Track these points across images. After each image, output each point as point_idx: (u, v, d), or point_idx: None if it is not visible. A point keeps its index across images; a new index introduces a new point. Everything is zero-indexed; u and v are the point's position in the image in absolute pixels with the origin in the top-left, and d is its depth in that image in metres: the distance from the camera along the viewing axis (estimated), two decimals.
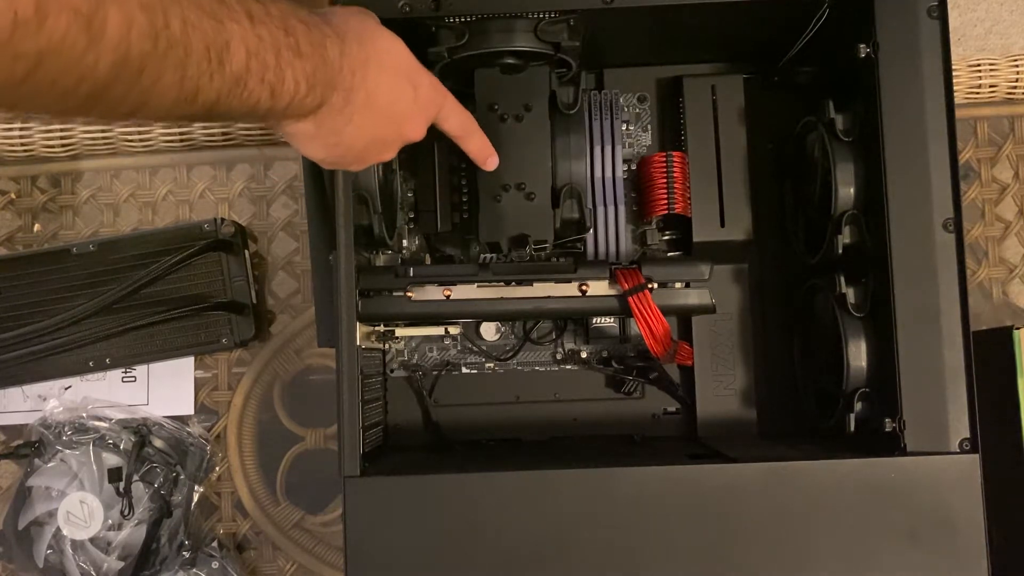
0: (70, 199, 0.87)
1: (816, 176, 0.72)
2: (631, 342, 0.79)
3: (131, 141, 0.86)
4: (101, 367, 0.83)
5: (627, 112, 0.81)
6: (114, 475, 0.79)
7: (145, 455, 0.80)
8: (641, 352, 0.77)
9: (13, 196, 0.88)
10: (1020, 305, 0.84)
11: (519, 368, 0.81)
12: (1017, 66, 0.84)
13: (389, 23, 0.58)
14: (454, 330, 0.79)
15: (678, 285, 0.70)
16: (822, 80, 0.74)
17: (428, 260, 0.80)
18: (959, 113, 0.68)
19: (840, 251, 0.68)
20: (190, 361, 0.84)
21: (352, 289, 0.64)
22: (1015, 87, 0.84)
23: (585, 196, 0.73)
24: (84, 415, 0.82)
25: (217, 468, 0.84)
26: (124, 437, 0.80)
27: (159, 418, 0.83)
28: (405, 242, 0.80)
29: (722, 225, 0.78)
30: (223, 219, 0.83)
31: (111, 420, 0.82)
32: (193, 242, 0.82)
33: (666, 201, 0.77)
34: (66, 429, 0.81)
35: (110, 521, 0.78)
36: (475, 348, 0.81)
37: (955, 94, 0.64)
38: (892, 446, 0.62)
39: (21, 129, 0.86)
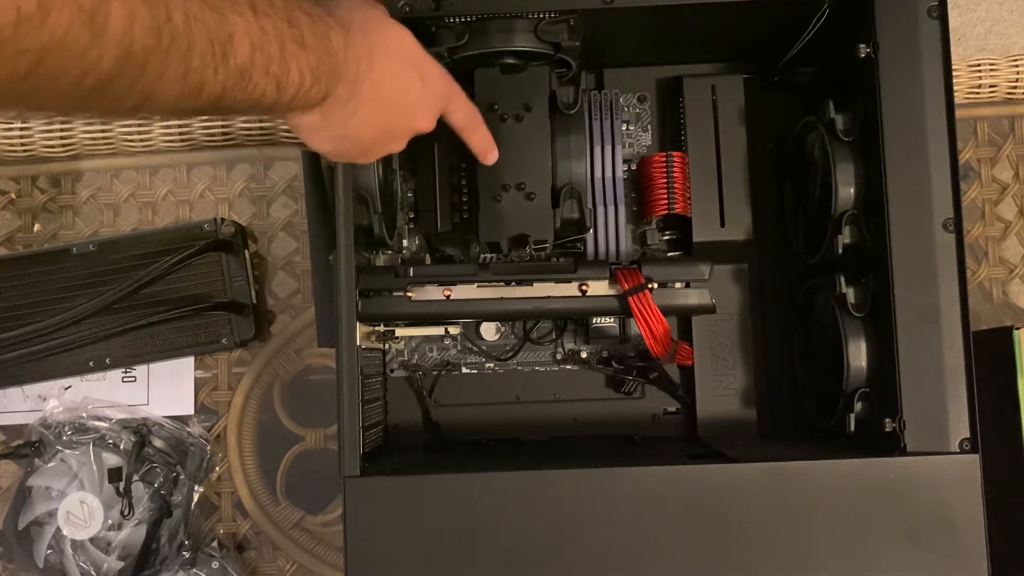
0: (70, 199, 0.87)
1: (816, 176, 0.72)
2: (631, 342, 0.79)
3: (131, 141, 0.86)
4: (101, 367, 0.83)
5: (627, 112, 0.81)
6: (114, 475, 0.79)
7: (145, 455, 0.80)
8: (641, 352, 0.77)
9: (13, 196, 0.88)
10: (1020, 305, 0.84)
11: (519, 368, 0.81)
12: (1017, 66, 0.84)
13: None
14: (454, 330, 0.79)
15: (678, 285, 0.70)
16: (822, 80, 0.74)
17: (428, 260, 0.80)
18: (959, 113, 0.68)
19: (840, 251, 0.68)
20: (190, 361, 0.84)
21: (352, 289, 0.64)
22: (1015, 87, 0.84)
23: (585, 196, 0.73)
24: (84, 415, 0.82)
25: (217, 468, 0.84)
26: (124, 437, 0.80)
27: (159, 418, 0.83)
28: (405, 242, 0.80)
29: (722, 225, 0.78)
30: (223, 219, 0.83)
31: (111, 420, 0.82)
32: (193, 242, 0.82)
33: (666, 201, 0.77)
34: (66, 429, 0.81)
35: (110, 521, 0.78)
36: (475, 348, 0.81)
37: (955, 94, 0.64)
38: (892, 446, 0.62)
39: (21, 129, 0.86)
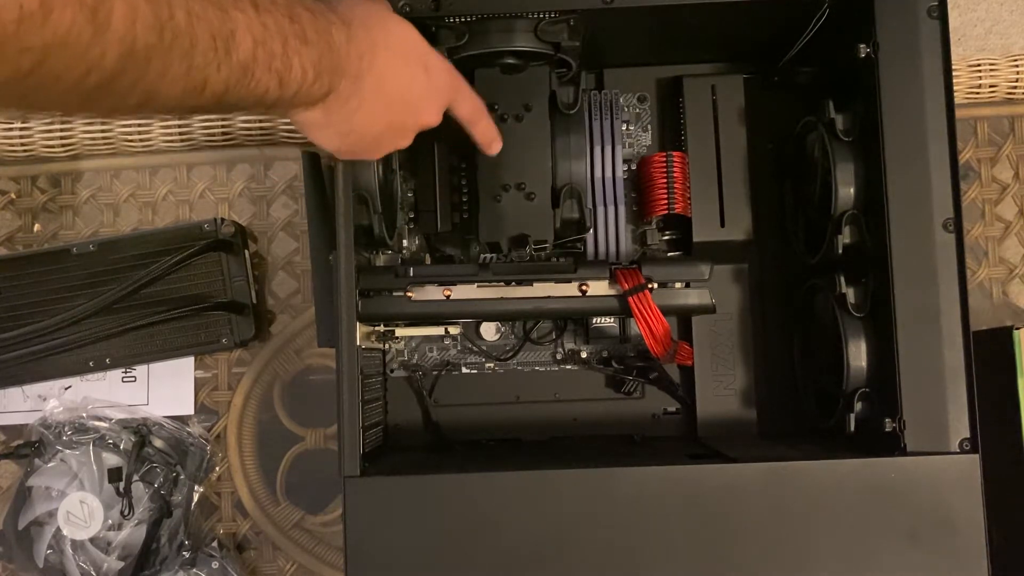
0: (70, 199, 0.87)
1: (816, 176, 0.72)
2: (631, 342, 0.79)
3: (131, 141, 0.86)
4: (101, 367, 0.83)
5: (627, 112, 0.81)
6: (114, 475, 0.79)
7: (145, 455, 0.80)
8: (641, 352, 0.77)
9: (13, 196, 0.88)
10: (1020, 305, 0.84)
11: (519, 368, 0.81)
12: (1017, 66, 0.84)
13: None
14: (454, 330, 0.79)
15: (678, 285, 0.70)
16: (822, 80, 0.74)
17: (428, 260, 0.80)
18: (959, 113, 0.68)
19: (840, 251, 0.68)
20: (190, 361, 0.84)
21: (352, 289, 0.64)
22: (1015, 87, 0.84)
23: (585, 196, 0.73)
24: (84, 415, 0.82)
25: (217, 468, 0.84)
26: (124, 437, 0.80)
27: (159, 418, 0.83)
28: (405, 242, 0.80)
29: (722, 225, 0.78)
30: (223, 219, 0.83)
31: (111, 420, 0.82)
32: (193, 242, 0.82)
33: (666, 201, 0.77)
34: (66, 429, 0.81)
35: (110, 521, 0.78)
36: (475, 348, 0.81)
37: (955, 94, 0.64)
38: (892, 446, 0.62)
39: (21, 129, 0.86)
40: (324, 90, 0.51)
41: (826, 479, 0.60)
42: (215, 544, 0.81)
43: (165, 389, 0.84)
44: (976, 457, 0.61)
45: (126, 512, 0.78)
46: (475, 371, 0.81)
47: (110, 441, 0.80)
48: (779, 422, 0.79)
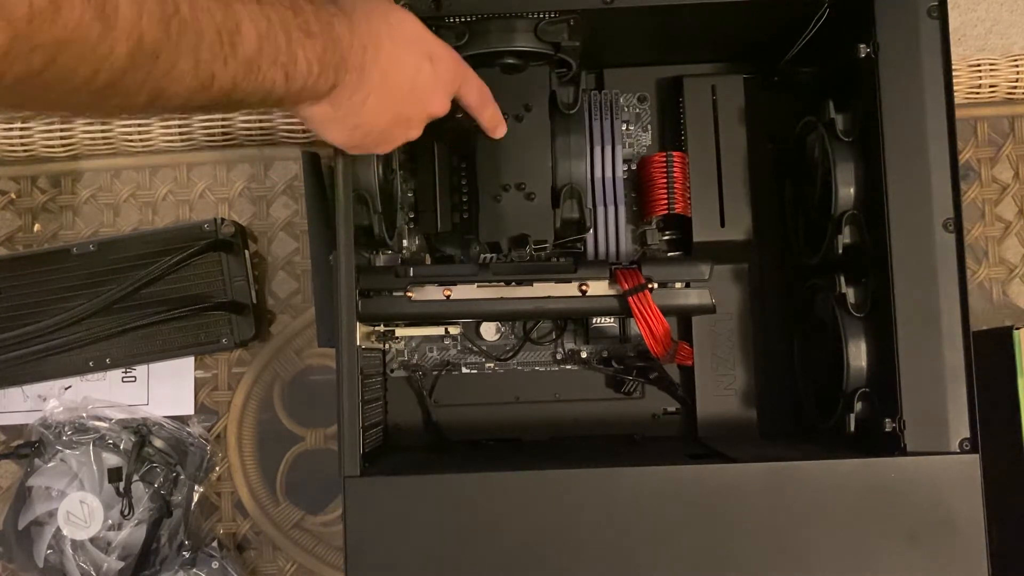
0: (70, 199, 0.87)
1: (816, 176, 0.72)
2: (631, 342, 0.79)
3: (131, 141, 0.86)
4: (101, 367, 0.83)
5: (627, 112, 0.81)
6: (114, 475, 0.79)
7: (145, 455, 0.80)
8: (641, 352, 0.77)
9: (13, 196, 0.88)
10: (1020, 305, 0.84)
11: (519, 368, 0.81)
12: (1017, 66, 0.84)
13: None
14: (454, 330, 0.79)
15: (678, 285, 0.70)
16: (822, 80, 0.74)
17: (428, 260, 0.80)
18: (959, 113, 0.68)
19: (840, 251, 0.68)
20: (190, 361, 0.84)
21: (352, 289, 0.64)
22: (1015, 87, 0.84)
23: (585, 196, 0.73)
24: (84, 415, 0.82)
25: (217, 468, 0.84)
26: (124, 437, 0.80)
27: (159, 418, 0.83)
28: (405, 242, 0.80)
29: (722, 225, 0.78)
30: (223, 219, 0.83)
31: (111, 420, 0.82)
32: (193, 242, 0.82)
33: (666, 201, 0.77)
34: (66, 429, 0.81)
35: (110, 521, 0.78)
36: (475, 348, 0.81)
37: (955, 94, 0.64)
38: (892, 446, 0.62)
39: (21, 129, 0.86)
40: (330, 83, 0.51)
41: (826, 479, 0.60)
42: (215, 544, 0.81)
43: (165, 389, 0.84)
44: (976, 457, 0.61)
45: (126, 512, 0.78)
46: (475, 371, 0.81)
47: (110, 441, 0.80)
48: (779, 422, 0.79)
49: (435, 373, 0.80)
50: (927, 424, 0.61)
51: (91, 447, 0.80)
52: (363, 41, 0.53)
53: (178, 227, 0.84)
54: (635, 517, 0.60)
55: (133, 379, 0.84)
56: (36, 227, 0.87)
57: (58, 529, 0.78)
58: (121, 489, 0.78)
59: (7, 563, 0.81)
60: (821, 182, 0.71)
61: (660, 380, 0.79)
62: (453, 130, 0.69)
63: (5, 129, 0.86)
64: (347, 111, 0.54)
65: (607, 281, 0.69)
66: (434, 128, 0.62)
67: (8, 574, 0.81)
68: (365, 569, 0.60)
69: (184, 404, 0.84)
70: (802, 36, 0.69)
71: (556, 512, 0.61)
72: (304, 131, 0.85)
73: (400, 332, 0.78)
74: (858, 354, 0.67)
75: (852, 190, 0.68)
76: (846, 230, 0.68)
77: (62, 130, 0.85)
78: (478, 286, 0.69)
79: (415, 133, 0.60)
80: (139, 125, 0.85)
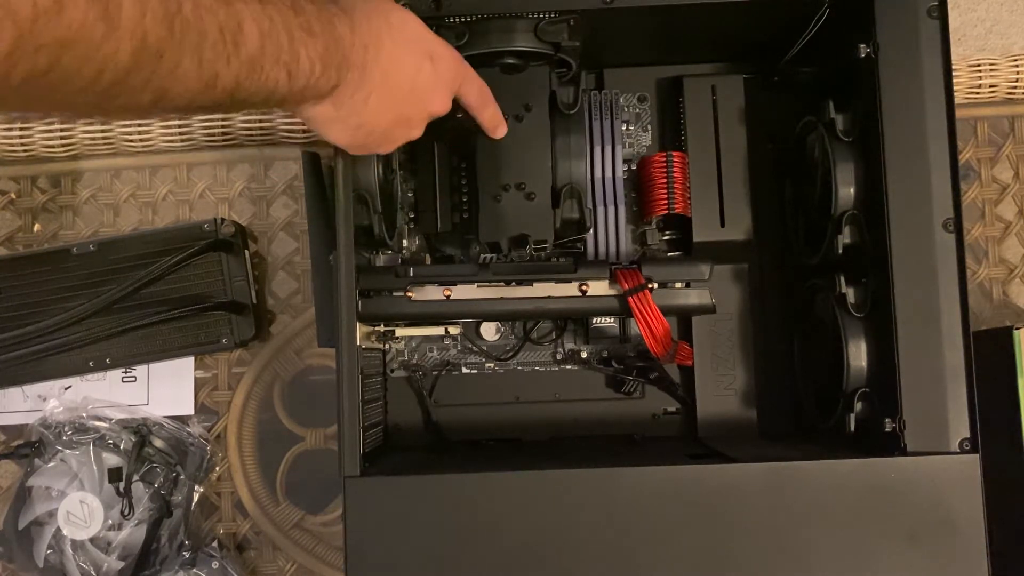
0: (70, 199, 0.87)
1: (816, 176, 0.72)
2: (631, 342, 0.79)
3: (131, 141, 0.86)
4: (101, 367, 0.83)
5: (627, 112, 0.81)
6: (114, 475, 0.79)
7: (145, 455, 0.80)
8: (641, 352, 0.77)
9: (13, 196, 0.88)
10: (1020, 305, 0.84)
11: (519, 368, 0.81)
12: (1017, 66, 0.84)
13: None
14: (454, 330, 0.79)
15: (678, 285, 0.70)
16: (822, 80, 0.74)
17: (428, 260, 0.80)
18: (959, 113, 0.68)
19: (840, 251, 0.68)
20: (190, 361, 0.84)
21: (352, 289, 0.64)
22: (1015, 87, 0.84)
23: (585, 196, 0.73)
24: (84, 415, 0.82)
25: (217, 468, 0.84)
26: (124, 437, 0.80)
27: (159, 418, 0.83)
28: (405, 242, 0.80)
29: (722, 225, 0.78)
30: (223, 219, 0.83)
31: (111, 420, 0.82)
32: (193, 242, 0.82)
33: (666, 201, 0.77)
34: (66, 429, 0.81)
35: (110, 521, 0.78)
36: (475, 348, 0.81)
37: (955, 94, 0.64)
38: (892, 446, 0.62)
39: (21, 129, 0.86)
40: (332, 83, 0.51)
41: (826, 479, 0.60)
42: (215, 544, 0.81)
43: (165, 389, 0.84)
44: (976, 457, 0.61)
45: (126, 512, 0.78)
46: (475, 371, 0.81)
47: (110, 441, 0.80)
48: (779, 422, 0.79)
49: (435, 373, 0.80)
50: (927, 424, 0.61)
51: (91, 447, 0.80)
52: (364, 40, 0.53)
53: (178, 227, 0.84)
54: (635, 517, 0.60)
55: (133, 379, 0.84)
56: (36, 227, 0.87)
57: (58, 529, 0.78)
58: (121, 489, 0.78)
59: (7, 563, 0.81)
60: (821, 182, 0.71)
61: (660, 380, 0.79)
62: (453, 130, 0.69)
63: (5, 129, 0.86)
64: (349, 110, 0.54)
65: (607, 281, 0.69)
66: (434, 128, 0.62)
67: (8, 574, 0.81)
68: (365, 569, 0.60)
69: (184, 404, 0.84)
70: (802, 36, 0.69)
71: (556, 512, 0.61)
72: (304, 131, 0.85)
73: (400, 332, 0.78)
74: (858, 354, 0.67)
75: (852, 190, 0.68)
76: (846, 230, 0.68)
77: (62, 130, 0.85)
78: (478, 286, 0.69)
79: (417, 132, 0.60)
80: (139, 125, 0.85)
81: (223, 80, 0.44)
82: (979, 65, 0.84)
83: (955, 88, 0.64)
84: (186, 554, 0.79)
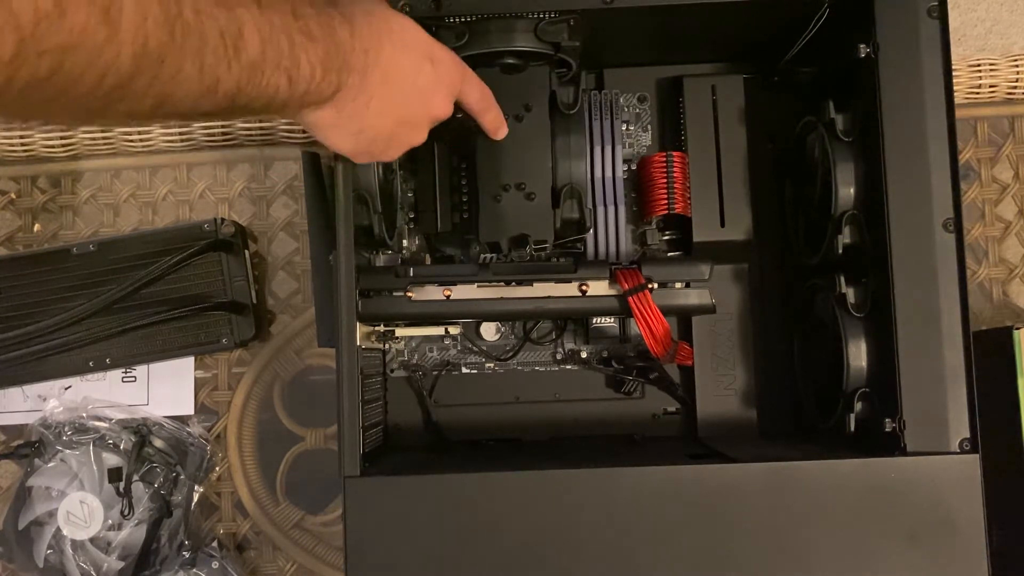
0: (70, 199, 0.87)
1: (816, 176, 0.72)
2: (631, 342, 0.79)
3: (131, 141, 0.86)
4: (101, 367, 0.83)
5: (627, 112, 0.81)
6: (114, 475, 0.79)
7: (145, 455, 0.80)
8: (641, 352, 0.77)
9: (13, 196, 0.88)
10: (1020, 305, 0.84)
11: (519, 368, 0.81)
12: (1017, 66, 0.84)
13: None
14: (454, 330, 0.79)
15: (678, 285, 0.70)
16: (822, 80, 0.74)
17: (428, 260, 0.80)
18: (959, 113, 0.68)
19: (840, 251, 0.68)
20: (190, 361, 0.84)
21: (352, 289, 0.64)
22: (1015, 87, 0.84)
23: (585, 196, 0.73)
24: (84, 415, 0.82)
25: (217, 468, 0.84)
26: (124, 437, 0.80)
27: (159, 418, 0.83)
28: (405, 242, 0.80)
29: (722, 225, 0.78)
30: (223, 219, 0.83)
31: (111, 420, 0.82)
32: (193, 242, 0.82)
33: (666, 201, 0.77)
34: (66, 429, 0.81)
35: (110, 521, 0.78)
36: (475, 348, 0.81)
37: (955, 94, 0.64)
38: (892, 446, 0.62)
39: (21, 129, 0.86)
40: (333, 87, 0.51)
41: (826, 479, 0.60)
42: (215, 544, 0.81)
43: (165, 389, 0.84)
44: (976, 457, 0.61)
45: (126, 512, 0.78)
46: (475, 371, 0.81)
47: (110, 441, 0.80)
48: (779, 422, 0.79)
49: (435, 373, 0.80)
50: (927, 424, 0.61)
51: (91, 447, 0.80)
52: (364, 44, 0.53)
53: (178, 227, 0.84)
54: (635, 517, 0.60)
55: (133, 379, 0.84)
56: (36, 227, 0.87)
57: (58, 529, 0.78)
58: (121, 489, 0.78)
59: (7, 563, 0.81)
60: (821, 182, 0.71)
61: (660, 380, 0.79)
62: (453, 130, 0.69)
63: (5, 129, 0.86)
64: (350, 115, 0.54)
65: (607, 281, 0.69)
66: (434, 128, 0.62)
67: (8, 574, 0.81)
68: (365, 569, 0.60)
69: (184, 404, 0.84)
70: (802, 36, 0.69)
71: (556, 512, 0.61)
72: (304, 131, 0.85)
73: (400, 332, 0.78)
74: (858, 354, 0.67)
75: (852, 190, 0.68)
76: (846, 230, 0.68)
77: (62, 130, 0.85)
78: (478, 286, 0.69)
79: (419, 137, 0.60)
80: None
81: (224, 85, 0.44)
82: (979, 65, 0.84)
83: (955, 88, 0.64)
84: (186, 554, 0.79)
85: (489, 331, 0.81)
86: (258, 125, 0.85)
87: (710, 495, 0.61)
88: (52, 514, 0.79)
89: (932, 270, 0.63)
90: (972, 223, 0.84)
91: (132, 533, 0.79)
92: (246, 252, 0.84)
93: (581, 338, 0.81)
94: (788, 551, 0.60)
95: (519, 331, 0.81)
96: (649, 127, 0.82)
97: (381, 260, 0.77)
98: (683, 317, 0.79)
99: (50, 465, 0.80)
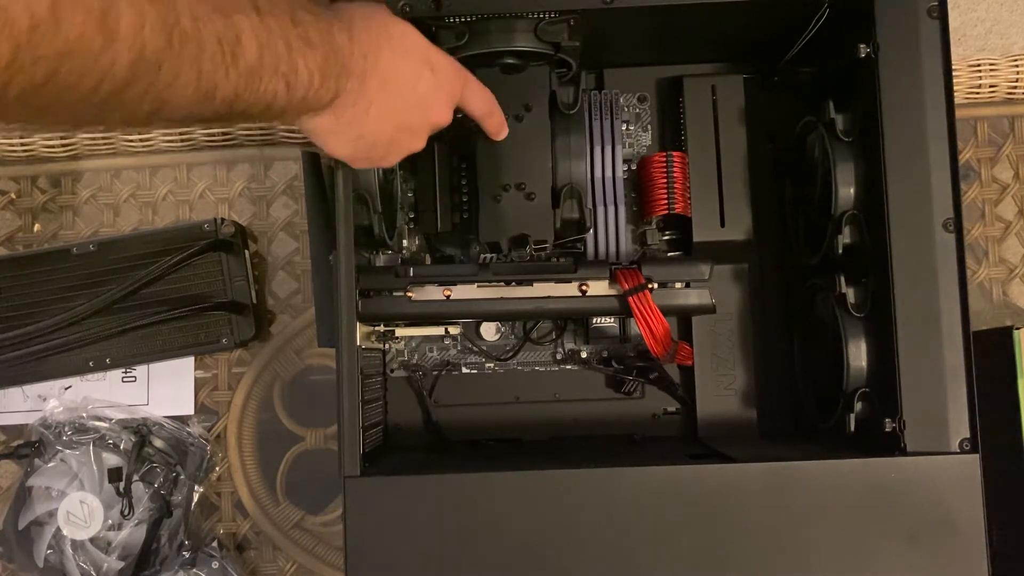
0: (70, 199, 0.87)
1: (816, 176, 0.72)
2: (631, 342, 0.79)
3: (131, 141, 0.86)
4: (101, 367, 0.83)
5: (627, 112, 0.81)
6: (114, 475, 0.79)
7: (145, 455, 0.80)
8: (641, 352, 0.77)
9: (13, 196, 0.88)
10: (1020, 305, 0.84)
11: (519, 368, 0.81)
12: (1017, 66, 0.84)
13: None
14: (454, 330, 0.79)
15: (678, 285, 0.70)
16: (822, 80, 0.74)
17: (428, 260, 0.80)
18: (959, 113, 0.68)
19: (840, 251, 0.68)
20: (190, 361, 0.84)
21: (352, 289, 0.64)
22: (1015, 87, 0.84)
23: (585, 196, 0.73)
24: (84, 415, 0.82)
25: (217, 468, 0.84)
26: (124, 437, 0.80)
27: (159, 418, 0.83)
28: (405, 242, 0.80)
29: (722, 225, 0.78)
30: (223, 219, 0.83)
31: (111, 420, 0.82)
32: (193, 242, 0.82)
33: (666, 201, 0.77)
34: (66, 429, 0.81)
35: (110, 521, 0.78)
36: (475, 348, 0.81)
37: (955, 94, 0.64)
38: (892, 446, 0.62)
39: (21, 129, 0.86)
40: (331, 93, 0.51)
41: (826, 479, 0.60)
42: (215, 544, 0.81)
43: (165, 389, 0.84)
44: (976, 457, 0.61)
45: (126, 512, 0.78)
46: (475, 371, 0.81)
47: (110, 441, 0.80)
48: (779, 422, 0.79)
49: (435, 373, 0.80)
50: (927, 424, 0.61)
51: (91, 447, 0.80)
52: (363, 50, 0.53)
53: (178, 227, 0.84)
54: (635, 517, 0.60)
55: (133, 379, 0.84)
56: (36, 227, 0.87)
57: (58, 529, 0.78)
58: (121, 489, 0.78)
59: (7, 563, 0.81)
60: (821, 182, 0.71)
61: (660, 380, 0.79)
62: (453, 130, 0.69)
63: (5, 129, 0.86)
64: (349, 121, 0.54)
65: (607, 281, 0.69)
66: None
67: (8, 574, 0.81)
68: (365, 569, 0.60)
69: (184, 404, 0.84)
70: (802, 36, 0.69)
71: (556, 512, 0.61)
72: None
73: (400, 332, 0.78)
74: (858, 354, 0.67)
75: (852, 190, 0.68)
76: (846, 230, 0.68)
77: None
78: (478, 286, 0.69)
79: (418, 144, 0.60)
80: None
81: (222, 91, 0.44)
82: (979, 65, 0.84)
83: (955, 88, 0.64)
84: (186, 554, 0.79)
85: (489, 331, 0.81)
86: (258, 125, 0.85)
87: (710, 495, 0.61)
88: (52, 514, 0.79)
89: (932, 270, 0.62)
90: (972, 223, 0.84)
91: (132, 533, 0.79)
92: (246, 252, 0.84)
93: (581, 338, 0.81)
94: (788, 551, 0.60)
95: (519, 331, 0.81)
96: (649, 127, 0.82)
97: (381, 260, 0.77)
98: (683, 317, 0.79)
99: (50, 465, 0.80)
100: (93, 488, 0.79)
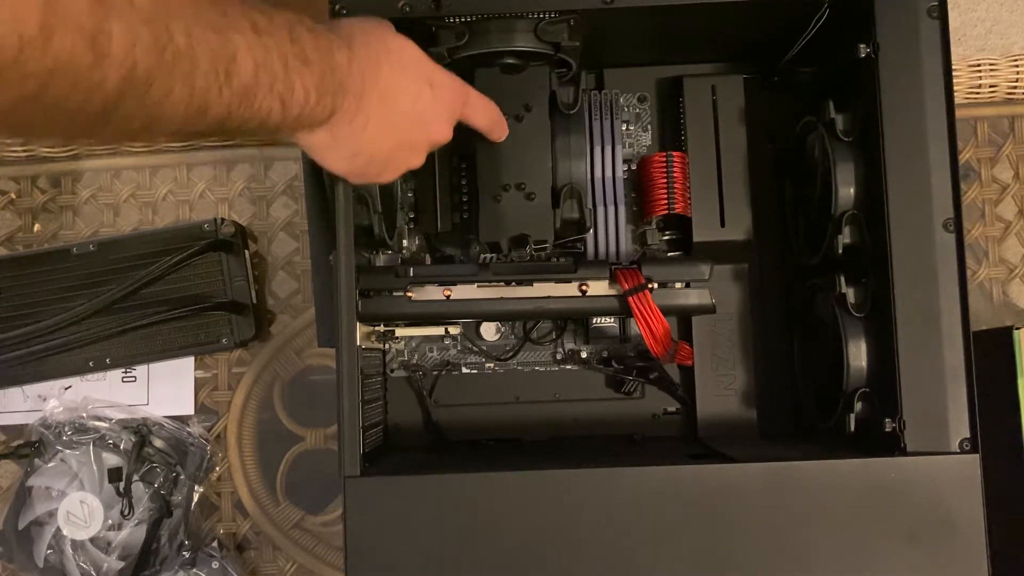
0: (70, 199, 0.87)
1: (816, 176, 0.72)
2: (631, 342, 0.79)
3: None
4: (101, 367, 0.83)
5: (627, 112, 0.81)
6: (114, 475, 0.79)
7: (145, 455, 0.80)
8: (641, 352, 0.77)
9: (13, 196, 0.88)
10: (1020, 305, 0.84)
11: (519, 368, 0.81)
12: (1017, 66, 0.84)
13: None
14: (454, 330, 0.79)
15: (678, 285, 0.70)
16: (822, 80, 0.74)
17: (428, 260, 0.80)
18: (959, 113, 0.68)
19: (840, 251, 0.68)
20: (190, 361, 0.84)
21: (352, 289, 0.64)
22: (1015, 87, 0.84)
23: (585, 196, 0.73)
24: (84, 415, 0.82)
25: (217, 468, 0.84)
26: (124, 437, 0.80)
27: (159, 418, 0.83)
28: (405, 242, 0.80)
29: (722, 225, 0.78)
30: (223, 219, 0.83)
31: (111, 420, 0.82)
32: (193, 242, 0.82)
33: (666, 201, 0.77)
34: (66, 429, 0.81)
35: (110, 521, 0.78)
36: (475, 348, 0.81)
37: (955, 94, 0.64)
38: (892, 446, 0.62)
39: None
40: (328, 111, 0.51)
41: (826, 479, 0.60)
42: (215, 544, 0.81)
43: (165, 389, 0.84)
44: (976, 457, 0.61)
45: (126, 512, 0.78)
46: (475, 371, 0.81)
47: (110, 441, 0.80)
48: (779, 422, 0.79)
49: (435, 373, 0.80)
50: (927, 424, 0.61)
51: (91, 447, 0.80)
52: (362, 67, 0.52)
53: (178, 227, 0.84)
54: (635, 517, 0.60)
55: (133, 379, 0.84)
56: (36, 227, 0.87)
57: (58, 529, 0.78)
58: (121, 489, 0.78)
59: (7, 563, 0.81)
60: (821, 182, 0.71)
61: (660, 380, 0.79)
62: (453, 131, 0.69)
63: None
64: (346, 137, 0.54)
65: (607, 281, 0.69)
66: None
67: (8, 574, 0.81)
68: (365, 569, 0.60)
69: (184, 404, 0.84)
70: (802, 36, 0.69)
71: (556, 512, 0.61)
72: None
73: (400, 332, 0.78)
74: (858, 354, 0.67)
75: (852, 190, 0.68)
76: (846, 230, 0.68)
77: None
78: (478, 286, 0.69)
79: (417, 161, 0.60)
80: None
81: (215, 108, 0.44)
82: (979, 65, 0.84)
83: (955, 88, 0.64)
84: (186, 554, 0.79)
85: (489, 331, 0.81)
86: None
87: (710, 495, 0.61)
88: (52, 514, 0.79)
89: (932, 270, 0.62)
90: (972, 223, 0.84)
91: (132, 533, 0.79)
92: (246, 252, 0.84)
93: (581, 338, 0.81)
94: (788, 551, 0.60)
95: (519, 331, 0.81)
96: (649, 127, 0.82)
97: (381, 260, 0.77)
98: (683, 317, 0.79)
99: (50, 465, 0.80)
100: (93, 488, 0.79)
